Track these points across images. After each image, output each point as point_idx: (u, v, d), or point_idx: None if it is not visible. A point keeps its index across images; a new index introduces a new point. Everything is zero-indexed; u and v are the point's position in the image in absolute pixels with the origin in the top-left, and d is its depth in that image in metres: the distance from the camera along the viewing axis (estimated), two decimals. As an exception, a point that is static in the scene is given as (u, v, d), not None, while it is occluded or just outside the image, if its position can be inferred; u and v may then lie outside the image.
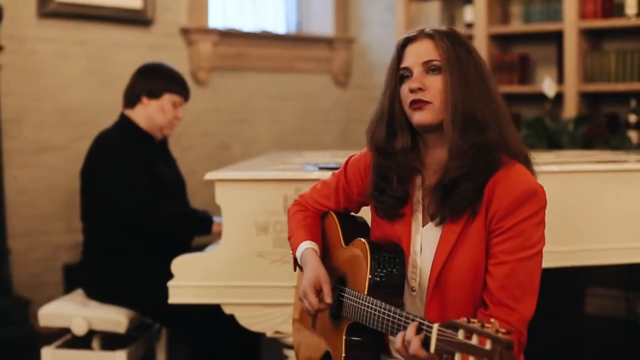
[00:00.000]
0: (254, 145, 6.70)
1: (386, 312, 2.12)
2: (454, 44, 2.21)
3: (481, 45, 6.01)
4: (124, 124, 3.97)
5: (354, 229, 2.51)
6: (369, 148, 2.39)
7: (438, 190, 2.22)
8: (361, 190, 2.46)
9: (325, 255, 2.51)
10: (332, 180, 2.58)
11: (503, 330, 1.75)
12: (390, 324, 2.10)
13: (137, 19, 5.92)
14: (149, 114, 3.95)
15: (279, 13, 7.31)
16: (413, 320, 1.99)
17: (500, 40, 6.16)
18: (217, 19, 6.70)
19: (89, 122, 5.58)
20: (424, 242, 2.28)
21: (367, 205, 2.51)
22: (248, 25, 7.00)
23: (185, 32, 6.22)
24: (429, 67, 2.21)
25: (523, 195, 2.14)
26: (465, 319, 1.82)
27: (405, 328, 2.01)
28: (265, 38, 6.86)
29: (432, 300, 2.24)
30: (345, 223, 2.53)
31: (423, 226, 2.30)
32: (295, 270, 2.60)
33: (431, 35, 2.23)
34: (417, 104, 2.20)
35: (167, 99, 3.97)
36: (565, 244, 3.44)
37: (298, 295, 2.63)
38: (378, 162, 2.34)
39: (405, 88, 2.23)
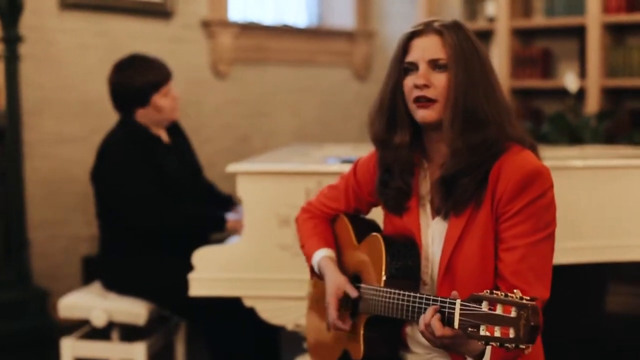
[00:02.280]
0: (274, 138, 6.70)
1: (405, 298, 2.12)
2: (460, 40, 2.19)
3: (503, 39, 5.98)
4: (127, 126, 3.92)
5: (365, 228, 2.50)
6: (371, 140, 2.38)
7: (440, 186, 2.22)
8: (371, 190, 2.46)
9: (339, 257, 2.52)
10: (340, 183, 2.58)
11: (527, 297, 1.74)
12: (411, 309, 2.10)
13: (158, 11, 5.92)
14: (149, 118, 3.90)
15: (300, 6, 7.30)
16: (434, 301, 2.00)
17: (522, 35, 6.13)
18: (237, 12, 6.70)
19: (109, 113, 5.52)
20: (435, 235, 2.28)
21: (377, 205, 2.52)
22: (269, 18, 6.99)
23: (205, 24, 6.21)
24: (435, 65, 2.19)
25: (528, 176, 2.13)
26: (487, 291, 1.81)
27: (424, 311, 2.02)
28: (285, 31, 6.86)
29: (442, 291, 2.23)
30: (357, 223, 2.53)
31: (433, 219, 2.29)
32: (312, 278, 2.61)
33: (439, 31, 2.21)
34: (422, 102, 2.19)
35: (156, 98, 3.87)
36: (586, 239, 3.42)
37: (312, 300, 2.66)
38: (379, 154, 2.36)
39: (409, 82, 2.22)
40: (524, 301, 1.73)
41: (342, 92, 7.22)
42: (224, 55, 6.29)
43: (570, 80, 5.36)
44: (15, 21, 4.95)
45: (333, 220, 2.59)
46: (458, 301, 1.88)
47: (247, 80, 6.55)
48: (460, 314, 1.87)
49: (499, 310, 1.76)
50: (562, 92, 5.61)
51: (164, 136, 4.00)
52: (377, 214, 2.53)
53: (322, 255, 2.48)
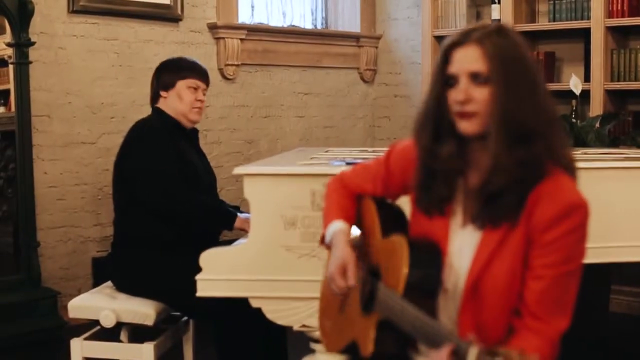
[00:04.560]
0: (281, 141, 6.74)
1: (420, 321, 2.10)
2: (502, 49, 2.12)
3: (508, 42, 6.01)
4: (157, 114, 4.04)
5: (392, 219, 2.46)
6: (416, 147, 2.31)
7: (480, 196, 2.19)
8: (401, 182, 2.42)
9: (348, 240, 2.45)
10: (372, 167, 2.54)
11: None
12: (423, 333, 2.08)
13: (166, 15, 5.97)
14: (170, 105, 4.01)
15: (306, 9, 7.34)
16: (448, 338, 1.97)
17: (526, 38, 6.15)
18: (245, 15, 6.74)
19: (118, 117, 5.64)
20: (463, 244, 2.24)
21: (406, 194, 2.46)
22: (276, 21, 7.04)
23: (213, 28, 6.26)
24: (476, 78, 2.12)
25: (566, 208, 2.10)
26: (503, 349, 1.80)
27: (438, 344, 1.99)
28: (292, 34, 6.89)
29: (467, 306, 2.22)
30: (384, 212, 2.47)
31: (463, 227, 2.26)
32: (321, 243, 2.56)
33: (480, 41, 2.13)
34: (463, 115, 2.15)
35: (181, 85, 4.01)
36: (589, 240, 3.43)
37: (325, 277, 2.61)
38: (424, 161, 2.28)
39: (451, 95, 2.16)
40: None
41: (348, 95, 7.25)
42: (231, 58, 6.33)
43: (574, 83, 5.39)
44: (26, 26, 5.01)
45: (360, 199, 2.54)
46: (474, 349, 1.84)
47: (254, 83, 6.59)
48: None
49: None
50: (566, 95, 5.63)
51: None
52: (403, 203, 2.51)
53: (338, 227, 2.44)
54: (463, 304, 2.22)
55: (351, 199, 2.55)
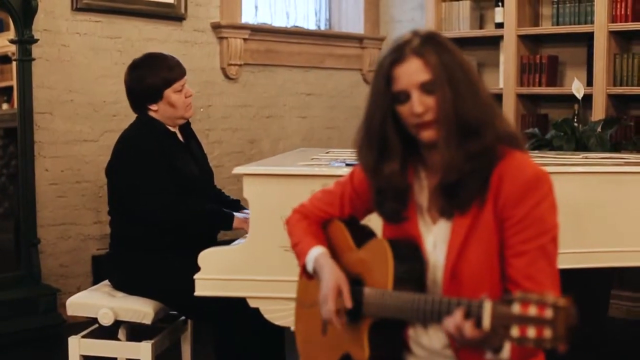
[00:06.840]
0: (283, 141, 6.74)
1: (418, 301, 2.10)
2: (439, 54, 2.17)
3: (510, 45, 6.02)
4: (144, 122, 3.94)
5: (362, 232, 2.49)
6: (361, 167, 2.38)
7: (441, 190, 2.22)
8: (368, 197, 2.43)
9: (335, 260, 2.45)
10: (336, 189, 2.56)
11: (562, 299, 1.73)
12: (429, 312, 2.06)
13: (170, 14, 5.98)
14: (162, 115, 3.92)
15: (310, 10, 7.35)
16: (458, 304, 1.97)
17: (530, 41, 6.16)
18: (248, 15, 6.74)
19: (120, 115, 5.63)
20: (437, 239, 2.27)
21: (373, 212, 2.48)
22: (279, 21, 7.04)
23: (216, 27, 6.26)
24: (425, 88, 2.16)
25: (530, 180, 2.14)
26: (519, 292, 1.80)
27: (447, 313, 1.99)
28: (296, 34, 6.90)
29: (448, 295, 2.20)
30: (352, 227, 2.50)
31: (434, 224, 2.28)
32: (303, 276, 2.55)
33: (417, 52, 2.17)
34: (423, 126, 2.19)
35: (169, 93, 3.89)
36: (590, 245, 3.44)
37: (303, 304, 2.61)
38: (371, 180, 2.35)
39: (405, 110, 2.19)
40: (560, 302, 1.71)
41: (351, 96, 7.26)
42: (234, 58, 6.33)
43: (576, 87, 5.38)
44: (29, 23, 5.02)
45: (325, 224, 2.56)
46: (488, 302, 1.85)
47: (256, 83, 6.59)
48: (492, 316, 1.83)
49: (532, 311, 1.74)
50: (568, 99, 5.63)
51: (179, 135, 4.04)
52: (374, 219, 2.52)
53: (320, 252, 2.44)
54: (443, 294, 2.22)
55: (317, 226, 2.56)
